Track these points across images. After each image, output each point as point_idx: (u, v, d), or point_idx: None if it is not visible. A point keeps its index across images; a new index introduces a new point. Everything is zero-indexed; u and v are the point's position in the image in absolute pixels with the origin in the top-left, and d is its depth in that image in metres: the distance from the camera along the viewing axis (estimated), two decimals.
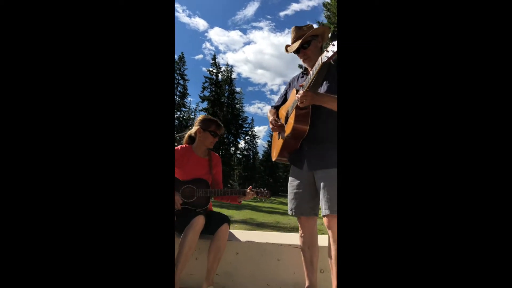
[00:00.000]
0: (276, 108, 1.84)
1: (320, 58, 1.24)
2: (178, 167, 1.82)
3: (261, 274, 1.73)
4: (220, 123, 1.93)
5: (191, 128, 1.96)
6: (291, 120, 1.49)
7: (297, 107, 1.45)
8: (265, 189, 1.90)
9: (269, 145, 32.76)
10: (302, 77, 1.70)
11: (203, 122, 1.87)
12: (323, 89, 1.51)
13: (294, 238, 1.80)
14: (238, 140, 36.30)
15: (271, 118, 1.70)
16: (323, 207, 1.40)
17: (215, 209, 1.91)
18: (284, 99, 1.81)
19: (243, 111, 37.67)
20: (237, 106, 36.67)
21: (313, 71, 1.32)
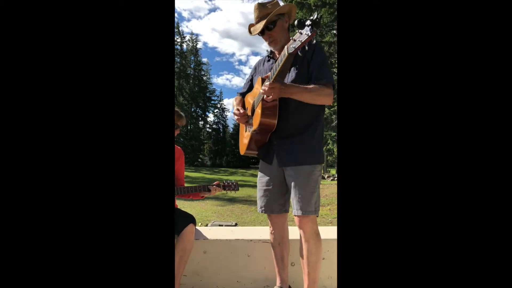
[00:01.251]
0: (242, 95, 1.69)
1: (286, 48, 1.09)
2: None
3: (231, 272, 1.67)
4: (181, 112, 1.73)
5: None
6: (258, 113, 1.35)
7: (263, 99, 1.31)
8: (232, 181, 1.80)
9: None
10: (269, 61, 1.53)
11: None
12: (291, 76, 1.37)
13: (263, 233, 1.74)
14: (207, 113, 35.57)
15: (235, 108, 1.55)
16: (295, 207, 1.33)
17: None
18: (250, 85, 1.65)
19: (211, 83, 36.70)
20: (204, 78, 35.48)
21: (278, 62, 1.17)
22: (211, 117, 36.21)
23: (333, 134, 12.40)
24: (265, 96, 1.25)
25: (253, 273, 1.67)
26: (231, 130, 35.58)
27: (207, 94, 35.44)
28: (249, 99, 1.60)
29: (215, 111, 36.43)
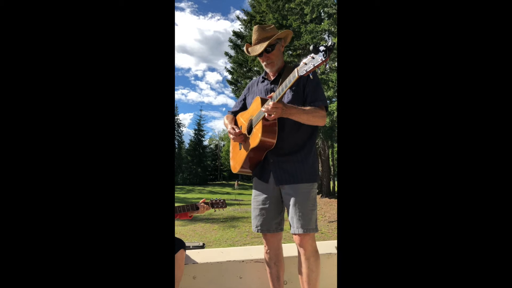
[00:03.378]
0: (234, 113, 1.68)
1: (296, 70, 1.13)
2: None
3: None
4: None
5: None
6: (257, 132, 1.36)
7: (264, 118, 1.33)
8: (219, 199, 1.76)
9: (196, 133, 31.99)
10: (263, 81, 1.57)
11: None
12: (287, 97, 1.42)
13: (254, 252, 1.71)
14: None
15: (229, 126, 1.54)
16: (295, 225, 1.34)
17: None
18: (243, 104, 1.66)
19: None
20: None
21: (286, 84, 1.20)
22: None
23: None
24: (266, 115, 1.27)
25: None
26: (187, 145, 34.71)
27: (174, 108, 34.34)
28: (242, 119, 1.60)
29: None
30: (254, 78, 1.70)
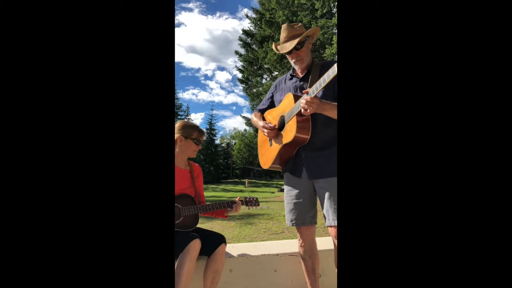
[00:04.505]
0: (261, 111, 1.72)
1: (335, 66, 1.16)
2: None
3: None
4: (201, 128, 1.72)
5: None
6: (291, 127, 1.40)
7: (298, 114, 1.36)
8: (253, 197, 1.80)
9: (208, 133, 32.22)
10: (291, 79, 1.60)
11: (184, 129, 1.63)
12: (318, 93, 1.45)
13: (289, 246, 1.75)
14: None
15: (261, 123, 1.58)
16: (331, 217, 1.37)
17: None
18: (271, 102, 1.69)
19: (177, 98, 36.00)
20: None
21: (324, 79, 1.23)
22: None
23: None
24: (303, 110, 1.30)
25: (281, 287, 1.66)
26: None
27: (174, 109, 34.73)
28: (270, 116, 1.64)
29: None
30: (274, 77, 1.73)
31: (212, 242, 1.49)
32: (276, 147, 1.52)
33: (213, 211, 1.67)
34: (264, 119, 1.68)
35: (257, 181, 33.04)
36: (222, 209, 1.65)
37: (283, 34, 1.50)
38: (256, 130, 18.47)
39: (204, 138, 1.72)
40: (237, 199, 1.72)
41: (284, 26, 1.51)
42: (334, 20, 10.65)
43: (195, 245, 1.38)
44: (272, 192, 19.79)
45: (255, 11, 16.70)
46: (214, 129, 32.91)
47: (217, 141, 34.58)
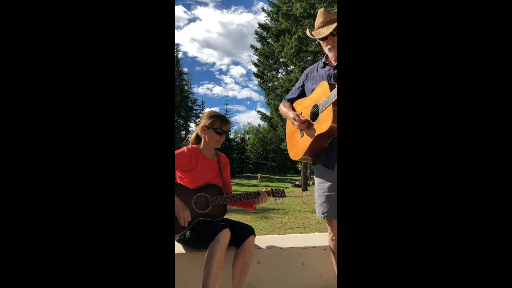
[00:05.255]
0: (291, 101, 1.68)
1: None
2: (186, 172, 1.56)
3: (286, 281, 1.62)
4: (226, 117, 1.69)
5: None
6: (327, 117, 1.35)
7: (334, 103, 1.31)
8: (279, 188, 1.77)
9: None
10: (324, 67, 1.54)
11: (208, 118, 1.61)
12: None
13: (317, 240, 1.72)
14: (189, 123, 35.08)
15: (292, 114, 1.53)
16: None
17: None
18: (301, 91, 1.64)
19: (192, 93, 36.30)
20: (186, 87, 35.11)
21: None
22: (192, 127, 35.76)
23: None
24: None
25: (309, 281, 1.63)
26: None
27: (189, 104, 35.08)
28: (300, 106, 1.59)
29: (197, 120, 36.07)
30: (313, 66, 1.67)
31: (242, 233, 1.47)
32: (307, 139, 1.48)
33: (242, 203, 1.65)
34: (293, 109, 1.63)
35: (271, 176, 33.03)
36: (249, 199, 1.63)
37: (319, 19, 1.44)
38: (271, 124, 18.34)
39: (229, 127, 1.69)
40: (264, 189, 1.69)
41: (320, 11, 1.45)
42: None
43: (225, 235, 1.36)
44: (286, 187, 19.76)
45: (272, 4, 16.50)
46: None
47: (231, 136, 34.72)
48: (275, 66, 17.07)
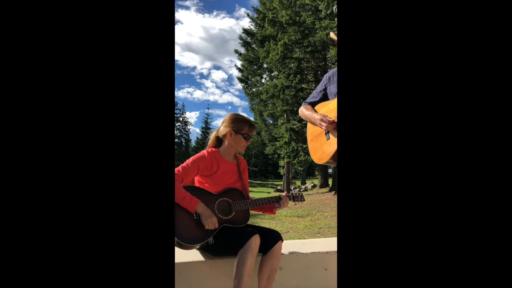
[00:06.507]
0: (312, 104, 1.67)
1: None
2: (207, 176, 1.50)
3: (309, 287, 1.59)
4: (252, 122, 1.65)
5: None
6: None
7: None
8: (298, 192, 1.74)
9: (204, 131, 32.04)
10: None
11: (235, 122, 1.55)
12: None
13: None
14: None
15: (318, 115, 1.52)
16: None
17: None
18: (323, 95, 1.64)
19: None
20: None
21: None
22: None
23: (305, 146, 12.77)
24: None
25: (332, 286, 1.61)
26: (193, 143, 34.79)
27: (174, 109, 34.44)
28: (324, 108, 1.58)
29: (177, 124, 35.44)
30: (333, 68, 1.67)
31: (268, 239, 1.42)
32: (334, 141, 1.47)
33: (261, 207, 1.61)
34: (315, 112, 1.62)
35: (252, 181, 32.94)
36: (271, 204, 1.59)
37: None
38: None
39: (255, 132, 1.65)
40: (284, 194, 1.66)
41: None
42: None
43: (256, 241, 1.31)
44: (268, 193, 19.74)
45: (256, 10, 16.65)
46: (209, 128, 32.75)
47: None
48: (259, 71, 17.17)
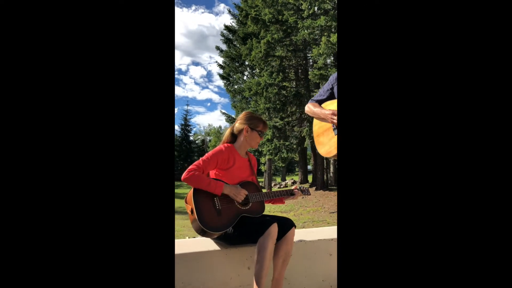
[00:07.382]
0: (319, 102, 1.80)
1: None
2: (224, 170, 1.59)
3: (316, 271, 1.73)
4: (265, 120, 1.76)
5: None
6: None
7: None
8: (304, 187, 1.88)
9: (183, 128, 31.55)
10: None
11: (251, 120, 1.66)
12: None
13: None
14: None
15: (328, 111, 1.64)
16: None
17: None
18: (331, 93, 1.77)
19: None
20: None
21: None
22: None
23: (287, 143, 13.01)
24: None
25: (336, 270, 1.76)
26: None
27: (174, 109, 33.46)
28: (331, 106, 1.72)
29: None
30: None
31: (283, 226, 1.55)
32: None
33: (272, 199, 1.73)
34: (324, 109, 1.75)
35: None
36: (283, 196, 1.72)
37: None
38: None
39: (267, 130, 1.77)
40: (294, 188, 1.79)
41: None
42: (320, 21, 10.95)
43: (275, 229, 1.43)
44: None
45: (238, 7, 16.64)
46: (189, 125, 32.33)
47: (191, 138, 34.02)
48: (240, 68, 17.21)
